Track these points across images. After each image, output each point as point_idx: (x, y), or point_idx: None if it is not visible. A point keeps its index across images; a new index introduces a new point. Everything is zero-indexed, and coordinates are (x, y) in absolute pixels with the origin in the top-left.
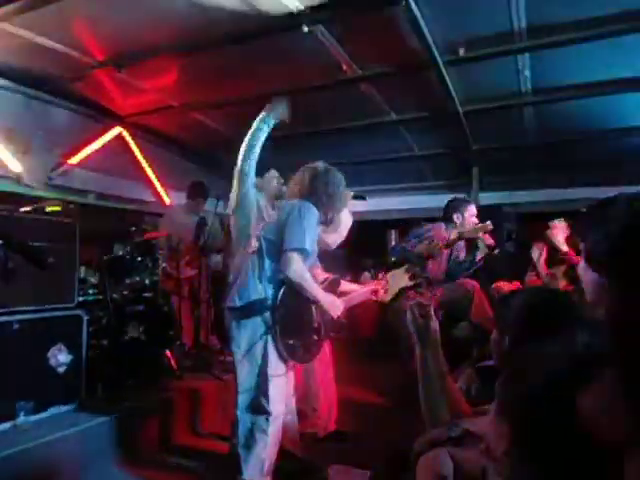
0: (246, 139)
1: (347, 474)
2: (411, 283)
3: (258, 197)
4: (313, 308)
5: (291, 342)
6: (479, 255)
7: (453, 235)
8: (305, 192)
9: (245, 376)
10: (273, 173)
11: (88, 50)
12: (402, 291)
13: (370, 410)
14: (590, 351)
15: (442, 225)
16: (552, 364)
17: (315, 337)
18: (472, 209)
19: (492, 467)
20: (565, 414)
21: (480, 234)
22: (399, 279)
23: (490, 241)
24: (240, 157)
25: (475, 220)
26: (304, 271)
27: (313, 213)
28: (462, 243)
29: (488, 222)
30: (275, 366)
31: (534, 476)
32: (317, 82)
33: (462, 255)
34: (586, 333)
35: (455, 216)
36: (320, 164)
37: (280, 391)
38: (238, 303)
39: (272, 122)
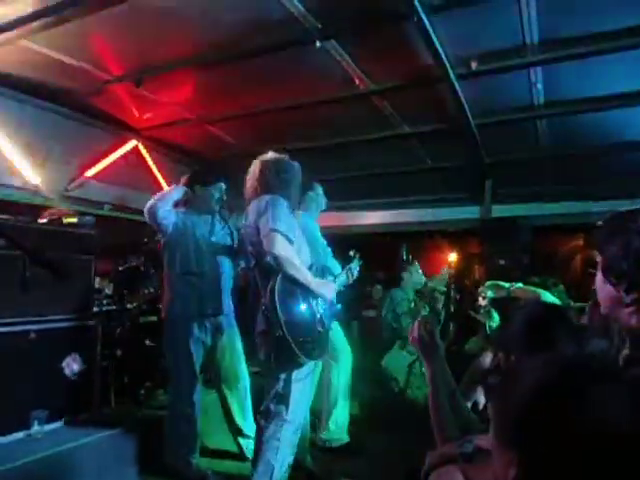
0: None
1: None
2: None
3: None
4: (310, 300)
5: (301, 339)
6: None
7: None
8: (260, 186)
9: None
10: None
11: (106, 66)
12: None
13: (382, 424)
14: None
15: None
16: (540, 376)
17: (320, 329)
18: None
19: None
20: (561, 425)
21: None
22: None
23: None
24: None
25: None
26: (291, 251)
27: (280, 202)
28: None
29: None
30: (299, 371)
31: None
32: (330, 96)
33: None
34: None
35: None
36: (269, 154)
37: (299, 397)
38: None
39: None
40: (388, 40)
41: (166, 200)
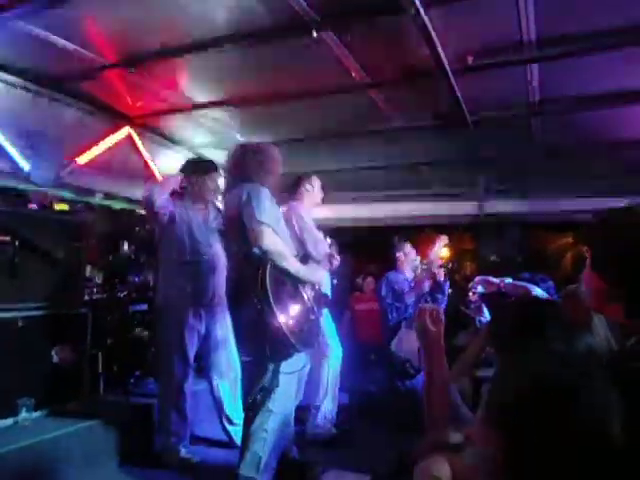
0: None
1: (348, 478)
2: None
3: None
4: (301, 288)
5: (295, 328)
6: None
7: None
8: (239, 173)
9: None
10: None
11: (100, 50)
12: None
13: (373, 415)
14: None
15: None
16: (538, 368)
17: (312, 317)
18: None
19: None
20: (552, 416)
21: None
22: None
23: None
24: None
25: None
26: (280, 243)
27: (263, 191)
28: None
29: None
30: (287, 363)
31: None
32: (325, 87)
33: None
34: (562, 342)
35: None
36: (251, 140)
37: (287, 389)
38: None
39: None
40: (385, 33)
41: (164, 189)
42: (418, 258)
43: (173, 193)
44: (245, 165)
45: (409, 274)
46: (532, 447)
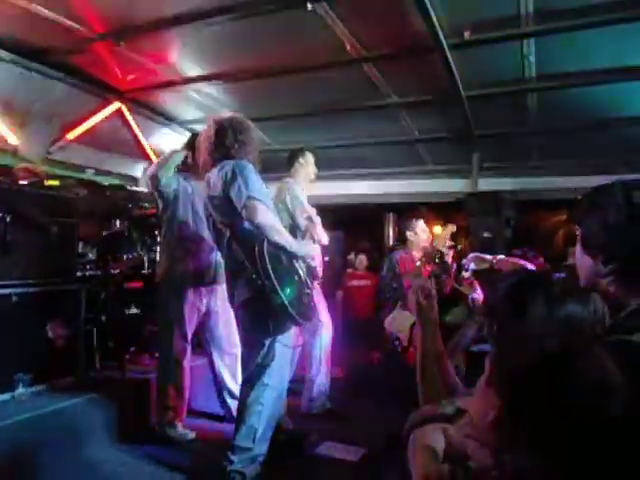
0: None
1: (342, 450)
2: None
3: None
4: (294, 262)
5: (295, 301)
6: None
7: None
8: (217, 150)
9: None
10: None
11: (88, 22)
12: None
13: (366, 390)
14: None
15: None
16: (542, 335)
17: (307, 291)
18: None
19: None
20: (557, 384)
21: None
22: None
23: None
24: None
25: None
26: (272, 217)
27: (247, 166)
28: None
29: None
30: (285, 336)
31: (527, 446)
32: (319, 61)
33: None
34: (563, 308)
35: None
36: (224, 113)
37: (283, 363)
38: None
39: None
40: (381, 6)
41: (168, 166)
42: (429, 237)
43: (177, 169)
44: (222, 141)
45: (417, 255)
46: (532, 416)
